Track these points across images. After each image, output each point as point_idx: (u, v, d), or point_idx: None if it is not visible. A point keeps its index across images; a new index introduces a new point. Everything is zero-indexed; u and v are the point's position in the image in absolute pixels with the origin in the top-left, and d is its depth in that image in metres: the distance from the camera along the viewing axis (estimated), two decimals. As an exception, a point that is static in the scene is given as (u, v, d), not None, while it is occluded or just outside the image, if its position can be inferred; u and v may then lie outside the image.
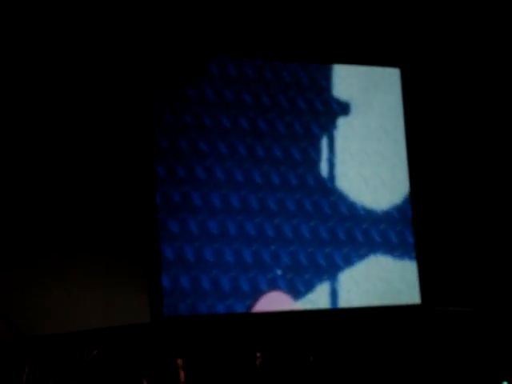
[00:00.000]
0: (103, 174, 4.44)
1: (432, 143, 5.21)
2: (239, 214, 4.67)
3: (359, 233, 4.92)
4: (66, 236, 4.32)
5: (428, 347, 4.73)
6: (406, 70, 5.28)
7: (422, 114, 5.24)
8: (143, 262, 4.50)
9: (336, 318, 4.84)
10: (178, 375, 4.10)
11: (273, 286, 4.69)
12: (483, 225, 5.08)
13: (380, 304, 4.92)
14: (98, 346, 4.05)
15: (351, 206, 4.93)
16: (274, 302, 4.69)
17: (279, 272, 4.71)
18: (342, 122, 5.01)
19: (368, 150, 5.05)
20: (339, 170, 4.95)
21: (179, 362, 4.11)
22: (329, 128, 4.98)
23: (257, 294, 4.65)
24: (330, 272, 4.82)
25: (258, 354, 4.24)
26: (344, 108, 5.03)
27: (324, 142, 4.95)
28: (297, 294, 4.74)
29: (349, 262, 4.87)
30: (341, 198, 4.92)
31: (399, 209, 5.07)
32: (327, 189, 4.90)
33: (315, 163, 4.90)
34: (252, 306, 4.64)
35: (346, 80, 5.07)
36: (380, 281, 4.94)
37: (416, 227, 5.10)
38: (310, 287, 4.77)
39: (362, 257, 4.91)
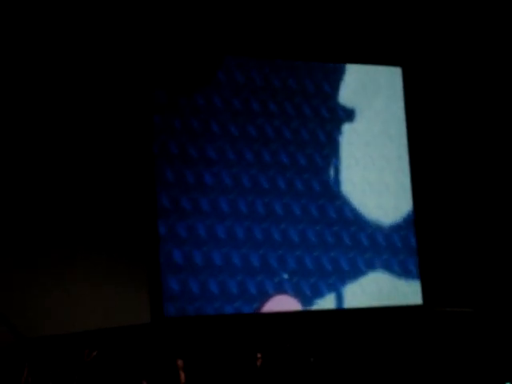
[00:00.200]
0: (105, 175, 4.48)
1: (434, 146, 5.26)
2: (247, 218, 4.73)
3: (364, 237, 4.99)
4: (66, 236, 4.33)
5: (429, 347, 4.76)
6: (408, 68, 5.33)
7: (424, 117, 5.29)
8: (144, 263, 4.53)
9: (337, 318, 4.87)
10: (178, 376, 4.12)
11: (279, 289, 4.75)
12: (484, 227, 5.12)
13: (381, 305, 4.98)
14: (98, 346, 4.04)
15: (356, 211, 5.00)
16: (281, 305, 4.75)
17: (286, 276, 4.77)
18: (346, 127, 5.08)
19: (372, 154, 5.13)
20: (344, 176, 5.02)
21: (179, 362, 4.13)
22: (334, 134, 5.04)
23: (264, 297, 4.71)
24: (336, 276, 4.88)
25: (259, 355, 4.26)
26: (348, 114, 5.09)
27: (329, 148, 5.02)
28: (303, 297, 4.80)
29: (354, 265, 4.93)
30: (346, 202, 4.98)
31: (403, 213, 5.14)
32: (332, 194, 4.96)
33: (321, 169, 4.96)
34: (259, 308, 4.70)
35: (350, 87, 5.14)
36: (385, 284, 5.00)
37: (418, 230, 5.16)
38: (315, 291, 4.83)
39: (366, 260, 4.97)
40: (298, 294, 4.80)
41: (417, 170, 5.23)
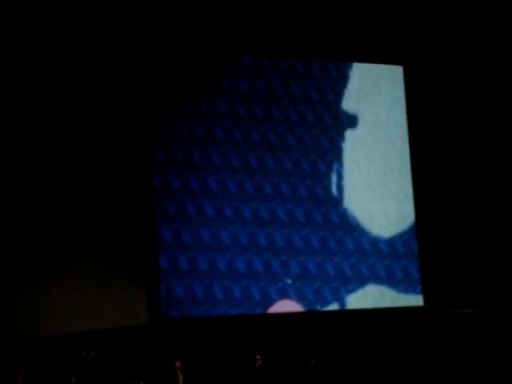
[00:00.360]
0: (104, 176, 4.50)
1: (436, 152, 5.30)
2: (251, 224, 4.77)
3: (366, 242, 5.03)
4: (66, 236, 4.35)
5: (431, 349, 4.77)
6: (410, 67, 5.37)
7: (426, 123, 5.33)
8: (143, 264, 4.55)
9: (337, 319, 4.89)
10: (176, 377, 4.13)
11: (283, 294, 4.79)
12: (486, 227, 5.15)
13: (382, 306, 5.01)
14: (96, 347, 4.05)
15: (359, 217, 5.04)
16: (284, 309, 4.78)
17: (289, 281, 4.81)
18: (349, 134, 5.12)
19: (375, 161, 5.17)
20: (347, 182, 5.06)
21: (177, 364, 4.15)
22: (337, 140, 5.09)
23: (267, 302, 4.75)
24: (339, 281, 4.92)
25: (258, 357, 4.28)
26: (351, 121, 5.14)
27: (332, 154, 5.06)
28: (306, 301, 4.84)
29: (356, 270, 4.97)
30: (348, 208, 5.03)
31: (405, 218, 5.18)
32: (335, 200, 5.00)
33: (324, 175, 5.01)
34: (263, 313, 4.73)
35: (353, 94, 5.18)
36: (387, 289, 5.03)
37: (420, 235, 5.19)
38: (318, 295, 4.87)
39: (369, 266, 5.01)
40: (302, 298, 4.84)
41: (419, 177, 5.27)
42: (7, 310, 4.12)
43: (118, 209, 4.51)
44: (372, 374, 4.61)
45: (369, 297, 4.98)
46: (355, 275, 4.97)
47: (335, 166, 5.05)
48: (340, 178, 5.05)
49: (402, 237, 5.14)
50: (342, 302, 4.93)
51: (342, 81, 5.18)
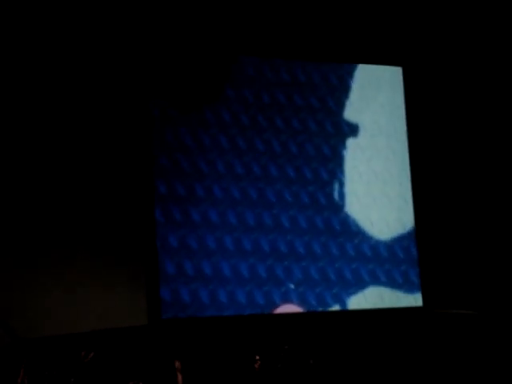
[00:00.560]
0: (104, 177, 4.55)
1: (435, 160, 5.40)
2: (254, 230, 4.87)
3: (367, 248, 5.13)
4: (66, 237, 4.39)
5: (430, 350, 4.82)
6: (409, 68, 5.46)
7: (426, 130, 5.41)
8: (142, 265, 4.60)
9: (336, 320, 4.94)
10: (175, 378, 4.17)
11: (286, 299, 4.88)
12: (485, 228, 5.24)
13: (381, 306, 5.10)
14: (95, 348, 4.07)
15: (359, 223, 5.14)
16: (287, 314, 4.89)
17: (292, 286, 4.90)
18: (350, 142, 5.22)
19: (375, 169, 5.27)
20: (348, 189, 5.16)
21: (177, 364, 4.18)
22: (338, 148, 5.19)
23: (271, 306, 4.84)
24: (340, 286, 5.02)
25: (257, 357, 4.31)
26: (353, 129, 5.24)
27: (334, 162, 5.16)
28: (308, 306, 4.93)
29: (357, 276, 5.07)
30: (350, 215, 5.12)
31: (404, 225, 5.28)
32: (337, 206, 5.10)
33: (326, 182, 5.11)
34: (262, 314, 4.82)
35: (354, 103, 5.29)
36: (387, 293, 5.13)
37: (419, 241, 5.29)
38: (320, 300, 4.96)
39: (369, 271, 5.10)
40: (304, 303, 4.93)
41: (418, 184, 5.36)
42: (7, 310, 4.14)
43: (119, 211, 4.56)
44: (371, 375, 4.66)
45: (369, 300, 5.07)
46: (356, 280, 5.06)
47: (337, 174, 5.15)
48: (341, 185, 5.15)
49: (401, 242, 5.24)
50: (343, 307, 5.01)
51: (342, 90, 5.28)
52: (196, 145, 4.85)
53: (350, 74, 5.34)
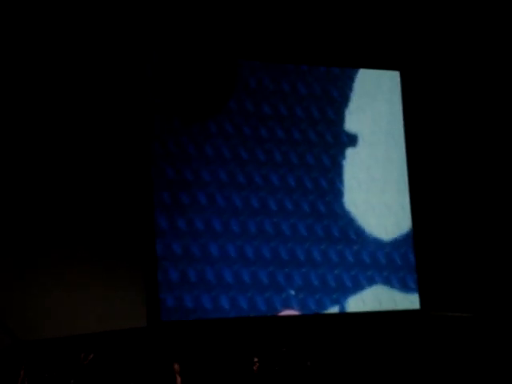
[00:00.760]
0: (107, 181, 4.62)
1: (433, 168, 5.50)
2: (256, 238, 4.99)
3: (366, 255, 5.25)
4: (66, 239, 4.44)
5: (427, 352, 4.88)
6: (406, 72, 5.56)
7: (423, 139, 5.52)
8: (142, 267, 4.66)
9: (334, 322, 5.02)
10: (174, 380, 4.20)
11: (286, 305, 5.00)
12: (482, 231, 5.30)
13: (379, 309, 5.21)
14: (95, 350, 4.09)
15: (359, 230, 5.26)
16: (288, 319, 5.01)
17: (292, 292, 5.02)
18: (349, 152, 5.35)
19: (374, 177, 5.40)
20: (347, 197, 5.28)
21: (176, 366, 4.21)
22: (338, 158, 5.31)
23: (272, 312, 4.96)
24: (339, 292, 5.14)
25: (256, 359, 4.35)
26: (352, 139, 5.36)
27: (333, 171, 5.29)
28: (308, 312, 5.04)
29: (356, 282, 5.19)
30: (349, 222, 5.25)
31: (402, 232, 5.41)
32: (336, 214, 5.23)
33: (325, 191, 5.23)
34: (260, 317, 4.93)
35: (354, 114, 5.42)
36: (385, 298, 5.25)
37: (417, 247, 5.40)
38: (320, 306, 5.08)
39: (368, 277, 5.23)
40: (304, 308, 5.04)
41: (416, 192, 5.48)
42: (7, 312, 4.17)
43: (119, 213, 4.63)
44: (368, 377, 4.72)
45: (367, 305, 5.19)
46: (355, 286, 5.18)
47: (336, 183, 5.28)
48: (340, 193, 5.28)
49: (399, 249, 5.36)
50: (342, 312, 5.13)
51: (342, 101, 5.41)
52: (199, 155, 4.97)
53: (349, 85, 5.46)
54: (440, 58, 5.52)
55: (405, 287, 5.33)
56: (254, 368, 4.31)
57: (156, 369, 4.22)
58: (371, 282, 5.24)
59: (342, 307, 5.14)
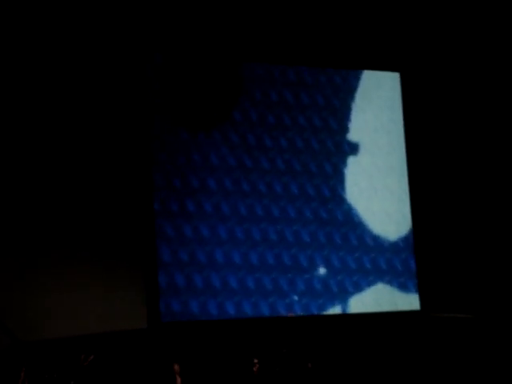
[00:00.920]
0: (106, 182, 4.68)
1: (432, 176, 5.60)
2: (260, 245, 5.10)
3: (367, 261, 5.36)
4: (67, 240, 4.48)
5: (427, 353, 4.96)
6: (406, 73, 5.66)
7: (423, 148, 5.61)
8: (142, 272, 4.72)
9: (334, 324, 5.10)
10: (174, 381, 4.20)
11: (290, 310, 5.11)
12: (482, 233, 5.39)
13: (379, 310, 5.31)
14: (95, 351, 4.08)
15: (360, 237, 5.37)
16: (291, 324, 5.12)
17: (296, 297, 5.13)
18: (351, 160, 5.46)
19: (375, 185, 5.51)
20: (349, 204, 5.40)
21: (176, 367, 4.22)
22: (339, 166, 5.43)
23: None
24: (341, 296, 5.25)
25: (256, 361, 4.33)
26: (353, 148, 5.48)
27: (335, 179, 5.40)
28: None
29: (358, 287, 5.30)
30: (351, 229, 5.36)
31: (403, 238, 5.51)
32: (338, 221, 5.33)
33: (328, 198, 5.34)
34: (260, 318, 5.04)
35: (355, 123, 5.53)
36: (386, 303, 5.36)
37: (417, 253, 5.50)
38: (323, 311, 5.19)
39: (370, 283, 5.34)
40: (307, 313, 5.14)
41: (416, 199, 5.59)
42: (7, 312, 4.20)
43: (118, 212, 4.70)
44: (369, 378, 4.79)
45: (369, 310, 5.30)
46: (357, 291, 5.29)
47: (338, 190, 5.39)
48: (343, 201, 5.39)
49: (400, 255, 5.47)
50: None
51: (344, 111, 5.52)
52: (204, 164, 5.08)
53: (351, 95, 5.58)
54: (440, 60, 5.60)
55: (405, 291, 5.43)
56: (254, 369, 4.31)
57: (156, 370, 4.26)
58: (372, 286, 5.34)
59: (344, 311, 5.25)
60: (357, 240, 5.37)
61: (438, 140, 5.63)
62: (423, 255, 5.52)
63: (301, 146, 5.34)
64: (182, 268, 4.90)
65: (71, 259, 4.51)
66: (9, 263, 4.32)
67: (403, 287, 5.43)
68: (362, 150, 5.51)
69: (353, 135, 5.51)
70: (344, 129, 5.50)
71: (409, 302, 5.44)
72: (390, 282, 5.40)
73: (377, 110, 5.63)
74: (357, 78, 5.61)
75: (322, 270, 5.23)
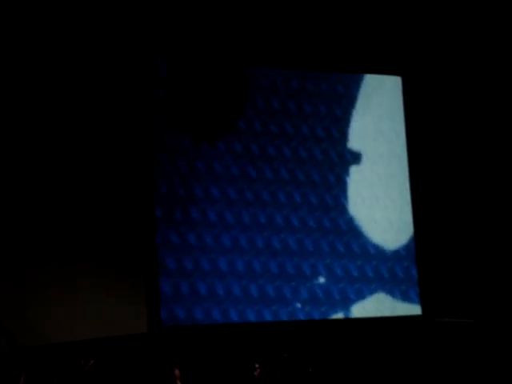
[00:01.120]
0: (109, 188, 4.72)
1: (433, 185, 5.65)
2: (263, 253, 5.16)
3: (369, 269, 5.42)
4: (68, 246, 4.51)
5: (428, 358, 4.99)
6: (408, 77, 5.71)
7: (424, 157, 5.67)
8: (142, 274, 4.76)
9: (335, 328, 5.14)
10: None
11: (293, 317, 5.16)
12: (483, 238, 5.44)
13: (380, 315, 5.37)
14: (95, 356, 4.09)
15: (363, 245, 5.43)
16: (294, 331, 5.18)
17: (299, 305, 5.19)
18: (353, 169, 5.52)
19: (377, 194, 5.57)
20: (352, 213, 5.46)
21: (176, 372, 4.24)
22: (342, 176, 5.49)
23: (278, 324, 5.13)
24: (343, 304, 5.31)
25: (257, 365, 4.35)
26: (355, 157, 5.54)
27: (338, 188, 5.46)
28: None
29: (360, 295, 5.36)
30: (353, 238, 5.42)
31: (405, 246, 5.57)
32: (341, 230, 5.40)
33: (330, 207, 5.40)
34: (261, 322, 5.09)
35: (358, 132, 5.59)
36: (387, 310, 5.42)
37: (419, 261, 5.56)
38: (325, 318, 5.24)
39: (372, 291, 5.40)
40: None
41: (417, 208, 5.64)
42: (7, 317, 4.20)
43: (119, 218, 4.73)
44: (369, 382, 4.82)
45: (370, 314, 5.37)
46: (359, 298, 5.35)
47: (341, 200, 5.45)
48: (345, 210, 5.45)
49: (402, 263, 5.53)
50: (346, 324, 5.32)
51: (346, 120, 5.58)
52: (209, 173, 5.14)
53: (352, 104, 5.64)
54: (443, 64, 5.64)
55: (407, 299, 5.49)
56: (255, 374, 4.33)
57: (156, 374, 4.27)
58: (374, 294, 5.39)
59: (346, 317, 5.31)
60: (359, 248, 5.42)
61: (439, 146, 5.67)
62: (425, 263, 5.57)
63: (304, 155, 5.40)
64: (186, 276, 4.95)
65: (72, 265, 4.54)
66: (10, 268, 4.34)
67: (404, 295, 5.48)
68: (364, 159, 5.57)
69: (355, 144, 5.57)
70: (346, 137, 5.56)
71: (410, 309, 5.49)
72: (391, 290, 5.45)
73: (378, 116, 5.69)
74: (358, 85, 5.67)
75: (324, 278, 5.28)
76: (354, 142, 5.57)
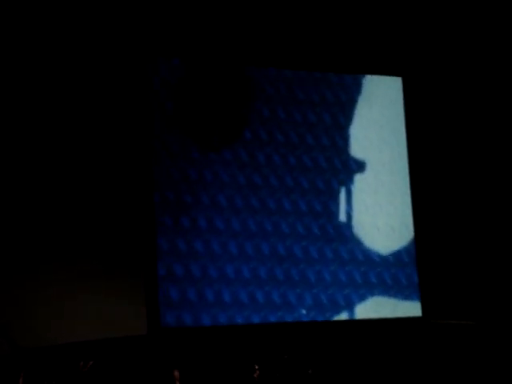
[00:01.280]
0: (110, 190, 4.75)
1: (435, 193, 5.71)
2: (269, 260, 5.23)
3: (373, 275, 5.50)
4: (67, 247, 4.52)
5: (428, 360, 5.02)
6: (408, 78, 5.75)
7: (425, 165, 5.74)
8: (142, 274, 4.78)
9: (335, 330, 5.18)
10: None
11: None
12: (484, 238, 5.49)
13: (380, 316, 5.44)
14: (94, 357, 4.11)
15: (366, 252, 5.51)
16: (299, 337, 5.25)
17: (304, 311, 5.26)
18: (357, 177, 5.61)
19: (380, 201, 5.65)
20: (355, 220, 5.54)
21: (176, 374, 4.29)
22: (346, 183, 5.57)
23: (285, 330, 5.20)
24: (348, 310, 5.39)
25: (256, 367, 4.42)
26: (359, 165, 5.62)
27: (342, 196, 5.55)
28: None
29: (364, 301, 5.43)
30: (357, 245, 5.50)
31: (407, 253, 5.65)
32: (345, 237, 5.48)
33: (334, 215, 5.49)
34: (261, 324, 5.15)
35: (362, 140, 5.68)
36: (388, 313, 5.47)
37: (420, 268, 5.63)
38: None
39: (375, 296, 5.47)
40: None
41: (419, 215, 5.71)
42: (6, 319, 4.21)
43: (119, 219, 4.75)
44: None
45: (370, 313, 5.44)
46: (362, 305, 5.42)
47: (345, 207, 5.53)
48: (349, 217, 5.53)
49: (404, 269, 5.60)
50: (350, 330, 5.40)
51: (349, 128, 5.66)
52: (215, 181, 5.22)
53: (353, 110, 5.71)
54: (441, 64, 5.68)
55: (409, 303, 5.55)
56: (255, 375, 4.37)
57: (156, 376, 4.29)
58: (377, 300, 5.46)
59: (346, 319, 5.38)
60: (363, 255, 5.50)
61: (439, 146, 5.72)
62: (425, 265, 5.61)
63: (309, 163, 5.48)
64: (194, 282, 5.01)
65: (71, 266, 4.55)
66: (9, 270, 4.35)
67: (407, 300, 5.55)
68: (368, 167, 5.65)
69: (358, 152, 5.65)
70: (350, 146, 5.64)
71: (410, 310, 5.55)
72: (394, 295, 5.52)
73: (380, 122, 5.77)
74: (358, 89, 5.73)
75: (329, 285, 5.35)
76: (358, 150, 5.65)
